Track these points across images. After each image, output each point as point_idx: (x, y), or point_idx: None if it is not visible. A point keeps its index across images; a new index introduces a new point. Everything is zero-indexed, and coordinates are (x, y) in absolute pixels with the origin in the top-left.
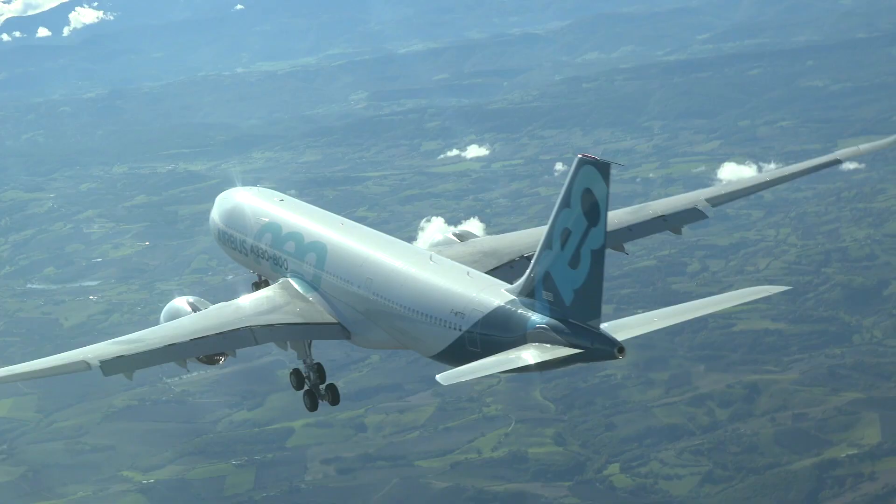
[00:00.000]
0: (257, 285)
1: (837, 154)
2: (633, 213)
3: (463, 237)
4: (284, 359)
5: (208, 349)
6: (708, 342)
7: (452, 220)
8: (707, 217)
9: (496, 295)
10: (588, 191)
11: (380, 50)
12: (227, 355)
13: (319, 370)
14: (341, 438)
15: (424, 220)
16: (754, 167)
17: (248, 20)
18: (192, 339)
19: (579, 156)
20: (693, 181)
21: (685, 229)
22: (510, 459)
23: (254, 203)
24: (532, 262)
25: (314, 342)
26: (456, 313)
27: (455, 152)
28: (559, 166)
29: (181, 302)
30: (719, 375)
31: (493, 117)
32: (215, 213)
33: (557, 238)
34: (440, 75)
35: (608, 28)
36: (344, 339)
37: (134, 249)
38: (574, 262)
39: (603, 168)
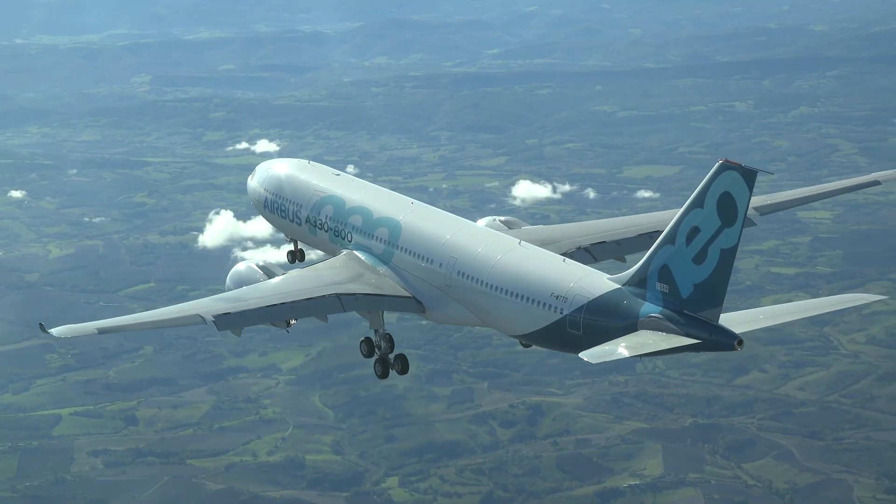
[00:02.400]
0: (293, 254)
1: (876, 175)
2: None
3: (511, 224)
4: (55, 343)
5: (301, 313)
6: (491, 359)
7: (240, 215)
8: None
9: (601, 282)
10: (727, 194)
11: (165, 34)
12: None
13: (390, 340)
14: (111, 430)
15: (213, 212)
16: (549, 186)
17: None
18: (287, 302)
19: (721, 161)
20: (483, 196)
21: None
22: (287, 465)
23: (309, 175)
24: (647, 254)
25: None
26: (557, 297)
27: (244, 145)
28: (351, 169)
29: (251, 266)
30: (502, 394)
31: (280, 113)
32: (256, 182)
33: (683, 235)
34: (226, 65)
35: (398, 34)
36: (418, 313)
37: None
38: (699, 258)
39: (748, 175)
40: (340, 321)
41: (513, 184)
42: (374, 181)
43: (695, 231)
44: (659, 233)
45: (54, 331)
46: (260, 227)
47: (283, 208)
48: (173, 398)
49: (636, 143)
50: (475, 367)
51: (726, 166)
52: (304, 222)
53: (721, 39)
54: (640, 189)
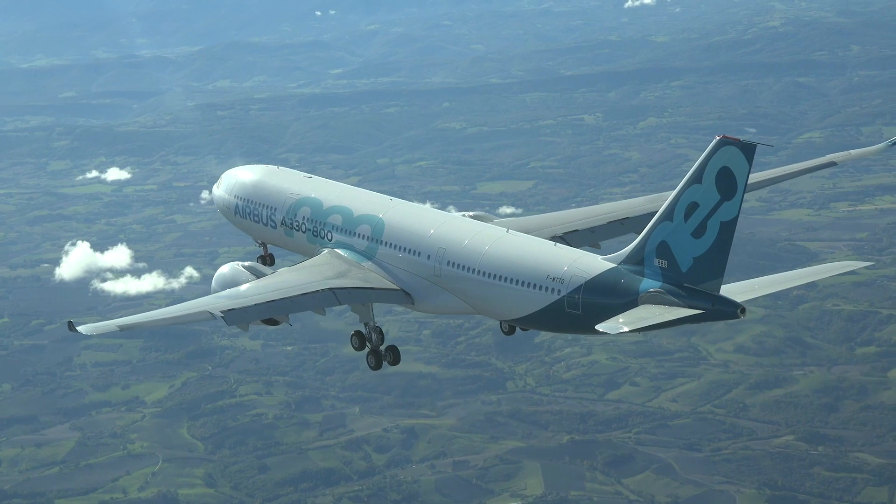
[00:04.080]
0: (263, 259)
1: (832, 157)
2: (651, 202)
3: (481, 219)
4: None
5: (299, 307)
6: (360, 383)
7: (96, 246)
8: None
9: (596, 263)
10: (726, 168)
11: (2, 63)
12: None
13: (380, 332)
14: None
15: (69, 243)
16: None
17: None
18: (285, 298)
19: (718, 137)
20: None
21: None
22: (159, 500)
23: (280, 179)
24: (643, 233)
25: None
26: (554, 279)
27: (94, 173)
28: (206, 195)
29: (237, 267)
30: (374, 418)
31: (125, 140)
32: (223, 190)
33: (681, 211)
34: (67, 93)
35: (239, 57)
36: (407, 305)
37: None
38: (698, 232)
39: (748, 149)
40: (202, 350)
41: None
42: None
43: (693, 206)
44: (628, 219)
45: (82, 328)
46: (118, 257)
47: (255, 213)
48: (36, 436)
49: (487, 159)
50: (345, 391)
51: (725, 142)
52: (279, 225)
53: (564, 53)
54: (498, 205)
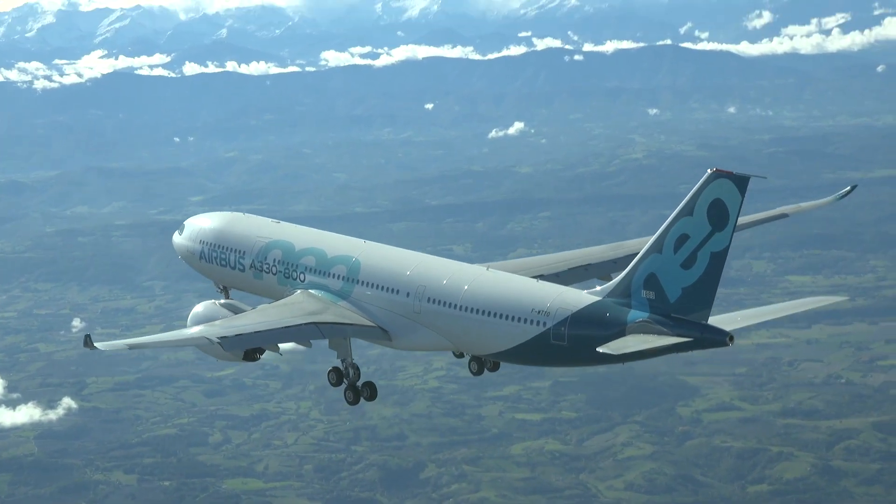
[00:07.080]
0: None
1: (783, 209)
2: (612, 249)
3: None
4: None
5: (287, 338)
6: None
7: None
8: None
9: (581, 296)
10: (718, 200)
11: None
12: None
13: (357, 369)
14: None
15: None
16: None
17: None
18: (274, 328)
19: (711, 170)
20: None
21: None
22: None
23: (248, 225)
24: (630, 267)
25: None
26: (539, 312)
27: None
28: (77, 322)
29: (212, 304)
30: None
31: None
32: (186, 237)
33: (671, 244)
34: None
35: (97, 182)
36: (383, 342)
37: None
38: (688, 263)
39: (741, 181)
40: (75, 485)
41: None
42: (91, 332)
43: (683, 238)
44: (591, 265)
45: (98, 344)
46: None
47: (222, 257)
48: None
49: None
50: None
51: (718, 175)
52: (247, 268)
53: (428, 183)
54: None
